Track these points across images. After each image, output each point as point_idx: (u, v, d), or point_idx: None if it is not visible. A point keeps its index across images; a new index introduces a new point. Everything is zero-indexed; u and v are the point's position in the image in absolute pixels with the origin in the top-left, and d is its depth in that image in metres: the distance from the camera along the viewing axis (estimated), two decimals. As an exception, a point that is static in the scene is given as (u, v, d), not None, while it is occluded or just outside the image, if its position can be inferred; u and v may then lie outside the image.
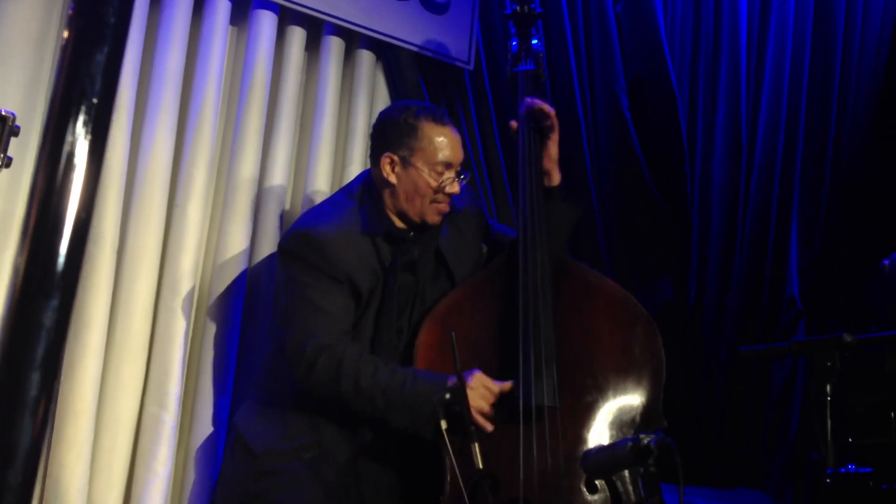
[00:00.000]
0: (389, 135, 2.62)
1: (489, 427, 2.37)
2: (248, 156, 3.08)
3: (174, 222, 2.95)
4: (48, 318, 0.67)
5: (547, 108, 2.72)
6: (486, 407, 2.37)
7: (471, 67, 3.54)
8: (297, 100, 3.26)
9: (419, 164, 2.57)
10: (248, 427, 2.57)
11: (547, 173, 2.74)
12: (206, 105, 3.00)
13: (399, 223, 2.64)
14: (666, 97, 3.94)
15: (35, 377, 0.65)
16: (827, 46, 4.31)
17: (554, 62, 3.77)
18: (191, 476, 2.88)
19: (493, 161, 3.59)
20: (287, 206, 3.20)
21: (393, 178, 2.60)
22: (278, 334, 2.62)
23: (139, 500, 2.78)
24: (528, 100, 2.77)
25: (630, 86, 3.92)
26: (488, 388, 2.38)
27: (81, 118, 0.70)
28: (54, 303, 0.67)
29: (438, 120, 2.62)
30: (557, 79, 3.79)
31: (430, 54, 3.44)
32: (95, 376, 2.75)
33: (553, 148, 2.73)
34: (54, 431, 2.72)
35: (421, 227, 2.64)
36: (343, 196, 2.70)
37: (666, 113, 3.94)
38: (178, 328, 2.88)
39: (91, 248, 2.78)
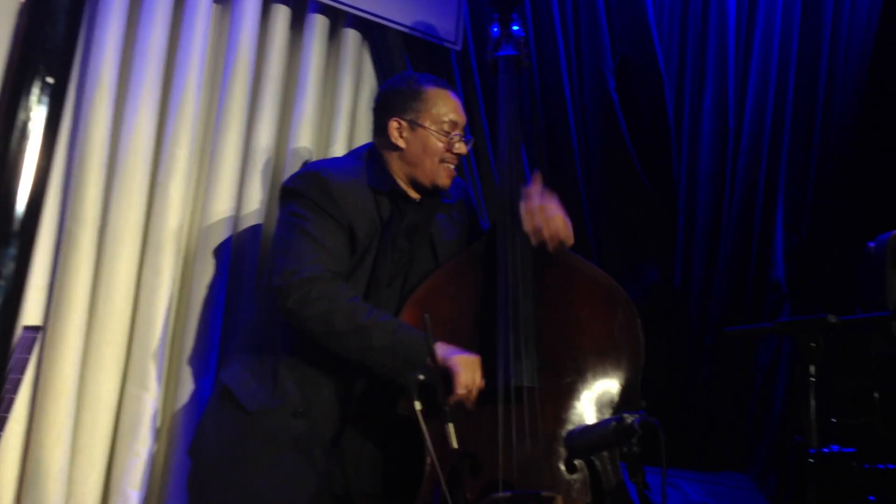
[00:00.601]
0: (394, 101, 2.65)
1: (470, 405, 2.35)
2: (231, 134, 3.05)
3: (156, 201, 2.92)
4: (6, 268, 0.65)
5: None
6: (471, 387, 2.35)
7: (458, 48, 3.52)
8: (281, 79, 3.23)
9: (427, 124, 2.61)
10: (238, 383, 2.53)
11: None
12: (189, 83, 2.97)
13: (406, 188, 2.64)
14: (653, 79, 3.93)
15: None
16: (815, 31, 4.31)
17: (541, 42, 3.76)
18: (172, 456, 2.87)
19: (480, 143, 3.57)
20: (270, 186, 3.17)
21: (402, 143, 2.62)
22: (265, 289, 2.60)
23: (120, 480, 2.77)
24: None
25: (617, 67, 3.91)
26: (477, 372, 2.37)
27: (36, 91, 0.68)
28: (12, 251, 0.66)
29: (441, 83, 2.71)
30: (545, 59, 3.78)
31: (417, 34, 3.41)
32: (76, 356, 2.73)
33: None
34: (35, 411, 2.70)
35: (431, 192, 2.66)
36: (350, 155, 2.76)
37: (653, 95, 3.93)
38: (159, 308, 2.86)
39: (72, 226, 2.76)
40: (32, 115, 0.66)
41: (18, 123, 0.65)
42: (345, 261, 2.51)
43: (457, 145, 2.64)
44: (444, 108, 2.64)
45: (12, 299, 0.64)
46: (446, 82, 2.77)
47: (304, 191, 2.53)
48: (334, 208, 2.50)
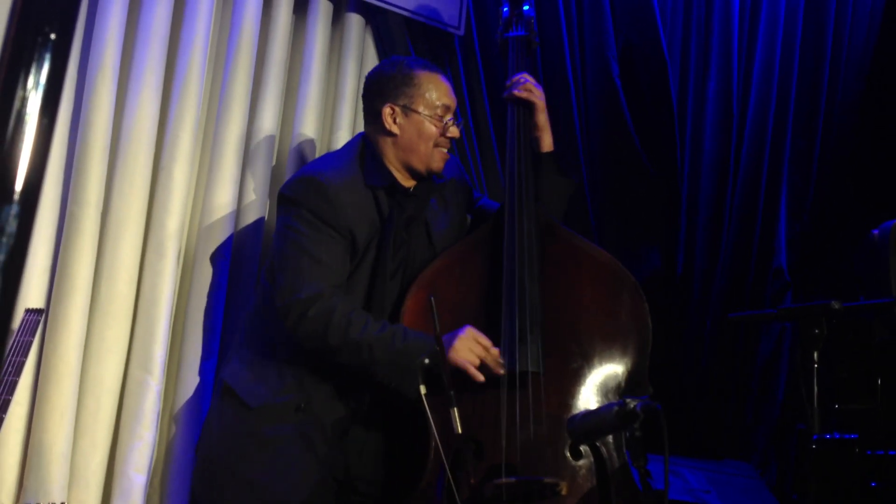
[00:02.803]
0: (386, 87, 2.64)
1: (480, 377, 2.35)
2: (234, 118, 3.04)
3: (159, 184, 2.92)
4: (9, 225, 0.64)
5: (529, 89, 2.72)
6: (475, 359, 2.35)
7: (461, 33, 3.50)
8: (285, 63, 3.22)
9: (420, 109, 2.60)
10: (238, 380, 2.54)
11: (537, 140, 2.74)
12: (193, 67, 2.96)
13: (400, 176, 2.64)
14: (657, 65, 3.91)
15: None
16: (819, 18, 4.28)
17: (544, 27, 3.73)
18: (175, 440, 2.87)
19: (483, 128, 3.56)
20: (273, 170, 3.17)
21: (395, 129, 2.61)
22: (265, 285, 2.61)
23: (123, 463, 2.77)
24: (516, 77, 2.75)
25: (621, 52, 3.89)
26: (478, 341, 2.37)
27: (38, 48, 0.67)
28: (15, 208, 0.65)
29: (431, 67, 2.69)
30: (547, 44, 3.76)
31: (420, 19, 3.40)
32: (79, 339, 2.73)
33: (540, 117, 2.73)
34: (38, 394, 2.70)
35: (425, 177, 2.65)
36: (343, 152, 2.72)
37: (657, 81, 3.91)
38: (163, 291, 2.86)
39: (74, 209, 2.75)
40: (35, 71, 0.65)
41: (21, 80, 0.65)
42: (344, 269, 2.51)
43: (450, 129, 2.64)
44: (437, 92, 2.63)
45: (15, 256, 0.64)
46: (436, 66, 2.76)
47: (301, 199, 2.52)
48: (332, 216, 2.49)
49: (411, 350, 2.33)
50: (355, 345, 2.38)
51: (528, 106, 2.73)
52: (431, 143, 2.61)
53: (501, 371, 2.36)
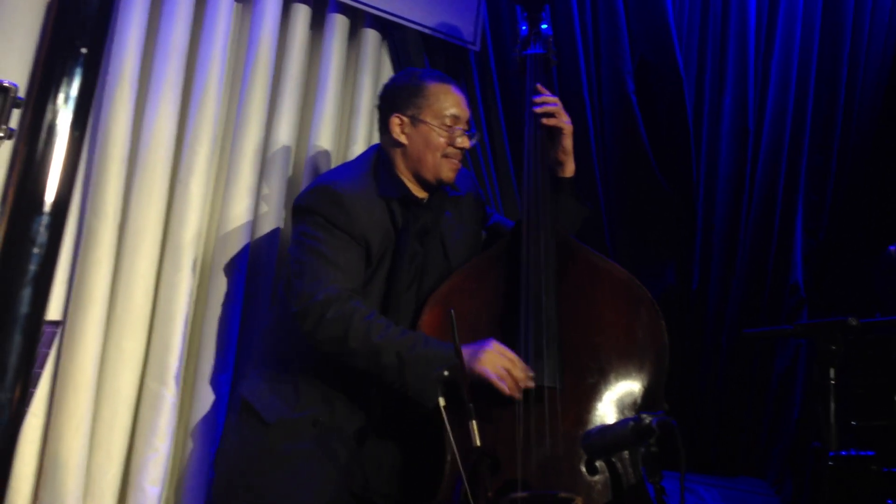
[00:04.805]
0: (396, 98, 2.65)
1: (506, 390, 2.33)
2: (251, 132, 3.06)
3: (176, 197, 2.94)
4: (40, 235, 0.65)
5: (558, 113, 2.72)
6: (502, 372, 2.33)
7: (477, 48, 3.52)
8: (301, 78, 3.25)
9: (428, 119, 2.61)
10: (257, 396, 2.53)
11: (560, 163, 2.74)
12: (210, 81, 2.98)
13: (413, 187, 2.64)
14: (672, 81, 3.92)
15: (26, 294, 0.64)
16: (835, 33, 4.28)
17: (560, 44, 3.74)
18: (190, 452, 2.88)
19: (498, 143, 3.57)
20: (289, 183, 3.18)
21: (403, 139, 2.62)
22: (282, 298, 2.60)
23: (138, 475, 2.78)
24: (542, 99, 2.75)
25: (636, 69, 3.89)
26: (505, 354, 2.36)
27: (63, 89, 0.68)
28: (46, 219, 0.66)
29: (442, 78, 2.69)
30: (563, 61, 3.77)
31: (436, 34, 3.41)
32: (96, 351, 2.75)
33: (567, 142, 2.73)
34: (53, 406, 2.72)
35: (435, 187, 2.65)
36: (357, 163, 2.73)
37: (672, 97, 3.91)
38: (179, 303, 2.87)
39: (92, 221, 2.77)
40: (66, 85, 0.66)
41: (52, 94, 0.65)
42: (360, 275, 2.50)
43: (459, 139, 2.63)
44: (446, 102, 2.63)
45: (46, 265, 0.65)
46: (450, 77, 2.76)
47: (316, 207, 2.52)
48: (347, 223, 2.49)
49: (432, 357, 2.31)
50: (376, 348, 2.36)
51: (556, 130, 2.73)
52: (439, 154, 2.61)
53: (531, 384, 2.35)
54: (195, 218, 2.93)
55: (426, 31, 3.39)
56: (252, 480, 2.47)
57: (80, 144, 0.70)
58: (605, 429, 2.22)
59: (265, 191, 3.10)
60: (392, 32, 3.43)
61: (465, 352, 2.27)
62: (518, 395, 2.34)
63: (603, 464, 2.35)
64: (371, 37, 3.40)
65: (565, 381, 2.40)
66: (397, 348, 2.35)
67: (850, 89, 4.29)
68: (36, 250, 0.63)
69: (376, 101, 3.07)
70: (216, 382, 2.91)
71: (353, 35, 3.40)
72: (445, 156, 2.62)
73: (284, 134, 3.16)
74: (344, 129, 3.35)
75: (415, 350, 2.35)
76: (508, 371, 2.33)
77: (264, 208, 3.09)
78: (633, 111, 3.84)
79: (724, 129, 4.11)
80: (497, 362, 2.33)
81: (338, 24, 3.31)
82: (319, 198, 2.53)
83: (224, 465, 2.57)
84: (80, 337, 2.72)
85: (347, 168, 2.74)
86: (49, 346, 2.48)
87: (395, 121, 2.62)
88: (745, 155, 4.10)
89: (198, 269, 2.98)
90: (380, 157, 2.68)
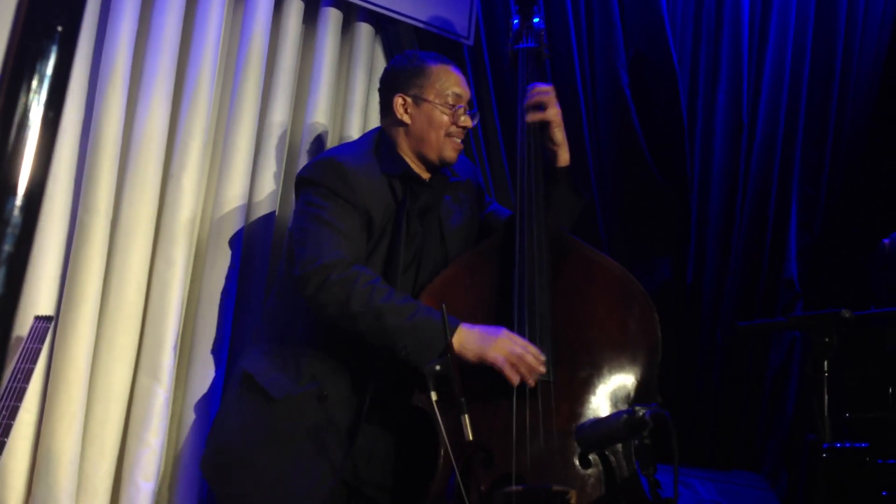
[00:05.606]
0: (398, 79, 2.68)
1: (515, 379, 2.32)
2: (244, 126, 3.05)
3: (169, 192, 2.93)
4: (14, 217, 0.65)
5: (544, 105, 2.71)
6: (514, 359, 2.32)
7: (470, 43, 3.51)
8: (294, 71, 3.24)
9: (431, 98, 2.63)
10: (259, 370, 2.53)
11: (554, 154, 2.74)
12: (203, 75, 2.97)
13: (415, 166, 2.66)
14: (667, 75, 3.91)
15: (1, 273, 0.63)
16: (829, 27, 4.28)
17: (554, 37, 3.74)
18: (183, 447, 2.87)
19: (492, 137, 3.57)
20: (282, 179, 3.17)
21: (407, 118, 2.65)
22: (283, 274, 2.61)
23: (131, 470, 2.77)
24: (530, 87, 2.75)
25: (631, 63, 3.89)
26: (516, 341, 2.35)
27: (39, 68, 0.68)
28: (21, 200, 0.66)
29: (443, 60, 2.72)
30: (557, 54, 3.76)
31: (429, 28, 3.41)
32: (88, 346, 2.74)
33: (557, 133, 2.72)
34: (46, 401, 2.71)
35: (438, 167, 2.67)
36: (359, 142, 2.75)
37: (666, 91, 3.91)
38: (171, 299, 2.86)
39: (84, 217, 2.76)
40: (41, 64, 0.66)
41: (27, 73, 0.65)
42: (362, 244, 2.52)
43: (462, 118, 2.66)
44: (448, 81, 2.66)
45: (20, 245, 0.64)
46: (450, 59, 2.77)
47: (319, 179, 2.54)
48: (350, 193, 2.51)
49: (436, 325, 2.31)
50: (379, 310, 2.35)
51: (544, 123, 2.73)
52: (442, 132, 2.64)
53: (543, 369, 2.35)
54: (188, 213, 2.92)
55: (419, 24, 3.39)
56: (255, 456, 2.45)
57: (55, 125, 0.69)
58: (599, 422, 2.22)
59: (258, 187, 3.09)
60: (385, 26, 3.42)
61: (476, 335, 2.32)
62: (531, 382, 2.34)
63: (596, 457, 2.35)
64: (364, 31, 3.39)
65: (559, 375, 2.41)
66: (401, 312, 2.36)
67: (844, 83, 4.30)
68: (10, 230, 0.63)
69: (370, 95, 3.07)
70: (209, 378, 2.91)
71: (346, 29, 3.39)
72: (448, 134, 2.65)
73: (277, 128, 3.15)
74: (337, 123, 3.35)
75: (418, 315, 2.36)
76: (521, 357, 2.32)
77: (257, 204, 3.08)
78: (627, 105, 3.84)
79: (718, 122, 4.11)
80: (509, 348, 2.33)
81: (331, 18, 3.31)
82: (323, 169, 2.55)
83: (221, 437, 2.55)
84: (72, 332, 2.71)
85: (349, 146, 2.76)
86: (42, 342, 2.48)
87: (398, 101, 2.64)
88: (740, 149, 4.10)
89: (191, 264, 2.98)
90: (382, 137, 2.70)
